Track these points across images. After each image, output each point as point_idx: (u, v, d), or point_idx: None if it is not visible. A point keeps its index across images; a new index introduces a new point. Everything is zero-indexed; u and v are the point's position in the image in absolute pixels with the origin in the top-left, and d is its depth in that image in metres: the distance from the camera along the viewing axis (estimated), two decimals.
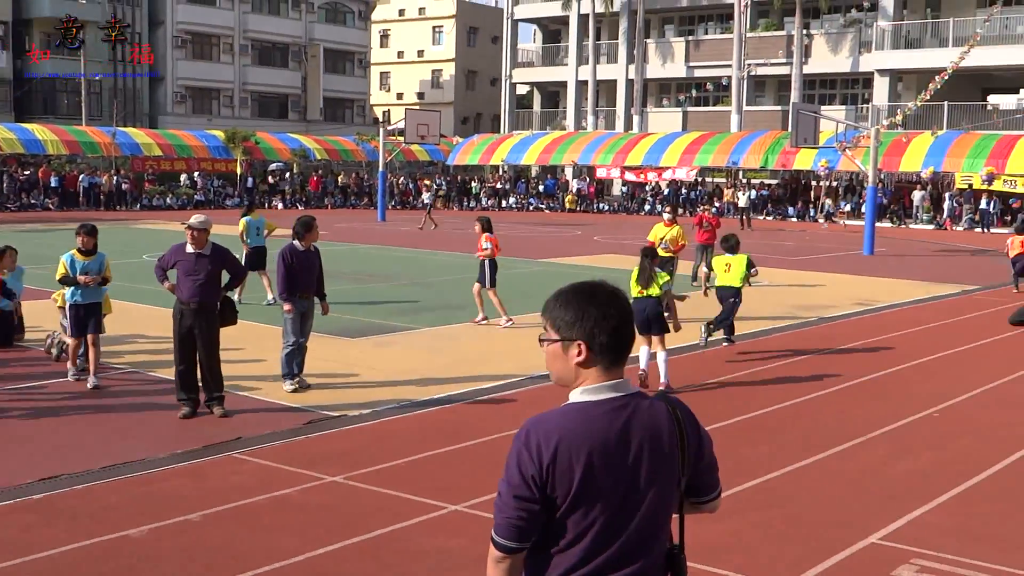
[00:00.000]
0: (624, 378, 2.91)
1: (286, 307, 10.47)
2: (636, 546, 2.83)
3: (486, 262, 15.01)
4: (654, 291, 10.84)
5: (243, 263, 17.43)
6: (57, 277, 10.75)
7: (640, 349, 10.91)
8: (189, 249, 9.58)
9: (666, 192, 50.50)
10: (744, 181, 49.12)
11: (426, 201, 41.43)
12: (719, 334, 13.60)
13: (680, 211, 47.86)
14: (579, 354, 2.86)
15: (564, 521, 2.80)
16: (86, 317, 10.69)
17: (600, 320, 2.85)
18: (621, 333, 2.88)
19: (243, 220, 17.77)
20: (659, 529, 2.89)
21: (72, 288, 10.69)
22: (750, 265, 13.41)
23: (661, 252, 15.69)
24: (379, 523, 6.74)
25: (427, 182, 52.15)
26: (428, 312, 16.51)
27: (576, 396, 2.88)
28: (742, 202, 42.66)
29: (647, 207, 50.61)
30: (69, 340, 11.02)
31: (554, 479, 2.77)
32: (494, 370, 11.83)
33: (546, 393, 10.25)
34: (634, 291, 10.86)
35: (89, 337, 10.72)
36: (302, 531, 6.60)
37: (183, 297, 9.52)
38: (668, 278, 11.27)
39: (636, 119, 57.38)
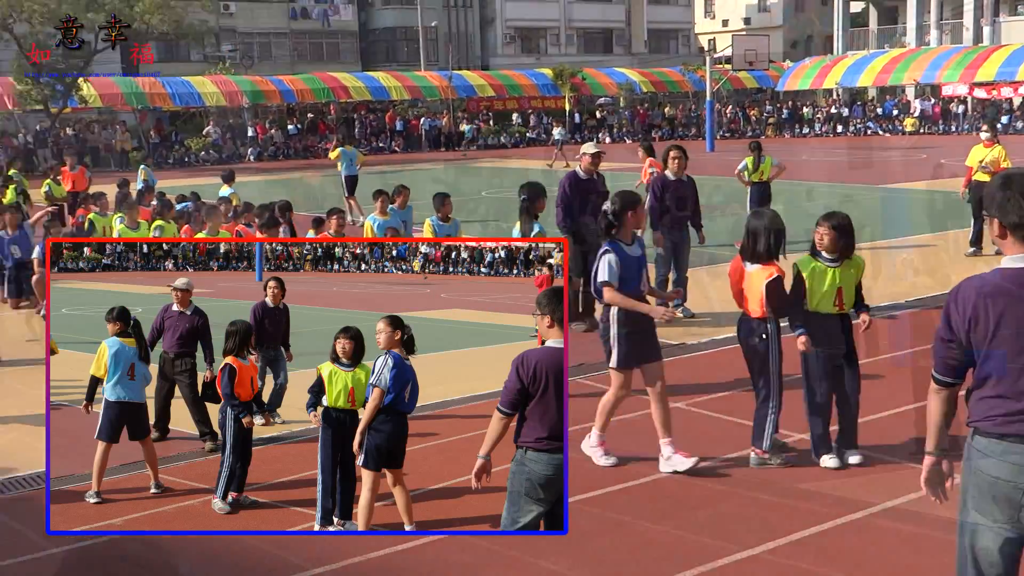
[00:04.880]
0: None
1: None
2: None
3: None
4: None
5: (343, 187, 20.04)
6: None
7: None
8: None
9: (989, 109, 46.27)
10: None
11: (556, 137, 38.11)
12: None
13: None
14: (995, 228, 3.57)
15: (985, 361, 3.53)
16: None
17: (1011, 200, 3.48)
18: None
19: (338, 149, 20.69)
20: None
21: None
22: None
23: (981, 175, 13.69)
24: None
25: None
26: None
27: (1003, 262, 3.57)
28: None
29: (1000, 125, 46.63)
30: None
31: (973, 327, 3.53)
32: None
33: None
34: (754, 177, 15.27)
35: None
36: None
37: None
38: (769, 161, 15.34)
39: (987, 30, 52.91)
